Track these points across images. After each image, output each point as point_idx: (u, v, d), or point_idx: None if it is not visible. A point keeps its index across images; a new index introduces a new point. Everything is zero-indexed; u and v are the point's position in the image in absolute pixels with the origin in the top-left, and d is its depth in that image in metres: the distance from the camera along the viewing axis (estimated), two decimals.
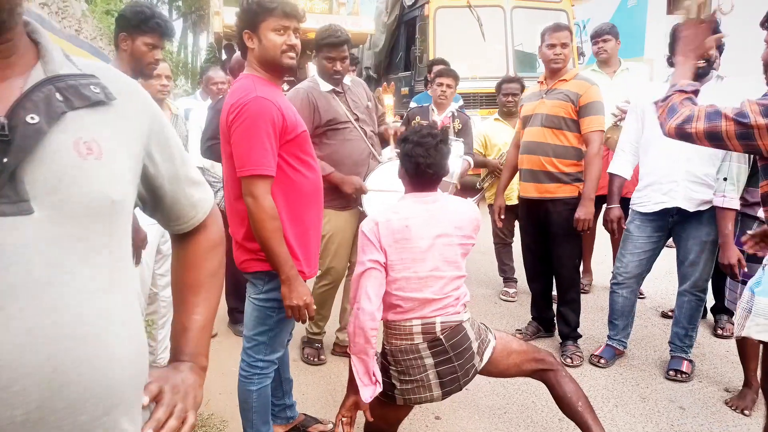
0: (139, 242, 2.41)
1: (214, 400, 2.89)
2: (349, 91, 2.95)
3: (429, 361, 2.10)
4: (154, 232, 2.61)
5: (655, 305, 4.16)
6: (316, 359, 3.25)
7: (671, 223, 3.04)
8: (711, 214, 2.91)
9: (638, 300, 4.20)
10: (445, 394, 2.15)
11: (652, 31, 9.88)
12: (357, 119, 2.94)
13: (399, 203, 2.19)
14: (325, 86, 2.88)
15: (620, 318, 3.21)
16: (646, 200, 3.05)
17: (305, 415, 2.63)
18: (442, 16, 7.60)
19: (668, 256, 4.76)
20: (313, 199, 2.11)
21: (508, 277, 4.43)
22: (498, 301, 4.28)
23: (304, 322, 2.09)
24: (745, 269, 2.68)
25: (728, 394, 2.88)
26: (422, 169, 2.10)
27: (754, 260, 2.48)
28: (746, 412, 2.67)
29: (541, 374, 2.29)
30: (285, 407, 2.53)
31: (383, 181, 2.92)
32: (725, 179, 2.75)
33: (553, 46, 3.17)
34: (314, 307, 2.04)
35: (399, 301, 2.10)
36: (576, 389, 2.24)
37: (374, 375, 2.07)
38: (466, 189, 5.46)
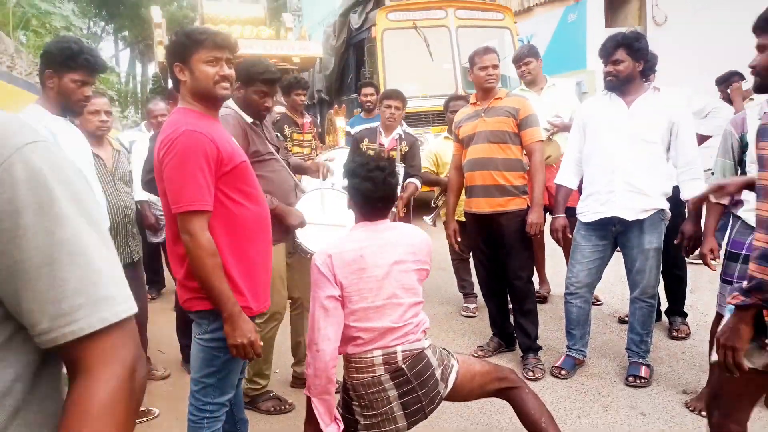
0: None
1: None
2: (264, 124, 2.89)
3: (392, 392, 2.05)
4: None
5: (612, 311, 4.22)
6: (284, 407, 3.03)
7: (614, 233, 3.09)
8: (651, 222, 2.98)
9: (595, 307, 4.29)
10: (411, 424, 2.10)
11: (592, 44, 10.23)
12: (277, 150, 2.89)
13: (351, 233, 2.16)
14: (247, 118, 2.76)
15: (577, 327, 3.24)
16: (587, 210, 3.11)
17: None
18: (389, 37, 7.68)
19: (622, 261, 4.84)
20: (258, 232, 2.04)
21: (467, 292, 4.43)
22: (459, 318, 4.26)
23: (251, 360, 2.00)
24: (717, 257, 2.73)
25: (686, 396, 2.91)
26: (372, 203, 2.09)
27: (733, 259, 2.57)
28: (704, 413, 2.68)
29: (504, 393, 2.26)
30: None
31: (310, 213, 2.91)
32: (712, 173, 2.81)
33: (485, 68, 3.30)
34: (261, 344, 1.96)
35: (359, 333, 2.05)
36: (539, 405, 2.23)
37: (336, 414, 2.03)
38: (421, 207, 5.48)
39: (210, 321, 1.96)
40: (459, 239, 3.64)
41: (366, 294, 2.04)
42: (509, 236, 3.29)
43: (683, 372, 3.20)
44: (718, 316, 2.60)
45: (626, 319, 3.97)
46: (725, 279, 2.62)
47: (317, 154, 4.94)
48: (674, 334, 3.66)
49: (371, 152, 4.07)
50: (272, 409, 3.00)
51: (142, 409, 2.98)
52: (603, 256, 3.16)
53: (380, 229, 2.12)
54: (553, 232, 3.24)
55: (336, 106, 8.36)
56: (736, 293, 1.61)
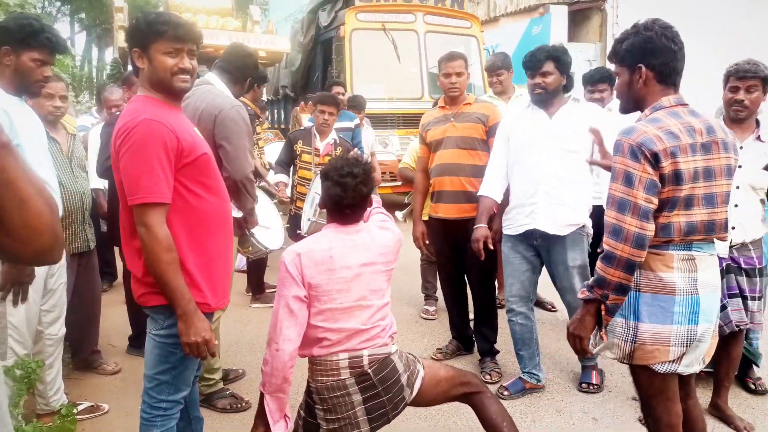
0: (24, 277, 2.16)
1: None
2: None
3: (357, 397, 2.03)
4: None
5: (566, 318, 4.32)
6: (240, 404, 2.97)
7: (537, 246, 3.02)
8: (572, 239, 2.92)
9: (550, 313, 4.40)
10: (373, 429, 2.10)
11: None
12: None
13: (321, 233, 2.14)
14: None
15: (523, 348, 3.12)
16: (511, 222, 3.05)
17: None
18: (357, 37, 7.67)
19: None
20: (218, 226, 1.98)
21: (429, 294, 4.46)
22: (419, 320, 4.29)
23: (204, 359, 1.95)
24: None
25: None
26: (341, 208, 2.08)
27: None
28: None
29: (468, 397, 2.28)
30: None
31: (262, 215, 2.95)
32: None
33: (448, 75, 3.28)
34: (215, 342, 1.91)
35: (326, 334, 2.03)
36: (501, 410, 2.25)
37: (286, 412, 2.03)
38: (392, 204, 5.49)
39: (166, 317, 1.90)
40: (427, 242, 3.61)
41: (334, 295, 2.03)
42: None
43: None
44: None
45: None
46: None
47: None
48: None
49: (306, 156, 4.12)
50: (228, 407, 2.94)
51: (91, 404, 2.87)
52: (533, 266, 3.08)
53: (351, 231, 2.11)
54: (473, 242, 3.07)
55: (302, 102, 8.29)
56: (583, 289, 1.85)
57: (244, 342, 3.89)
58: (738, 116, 2.68)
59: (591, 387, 3.12)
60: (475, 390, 2.27)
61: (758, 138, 2.70)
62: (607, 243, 1.75)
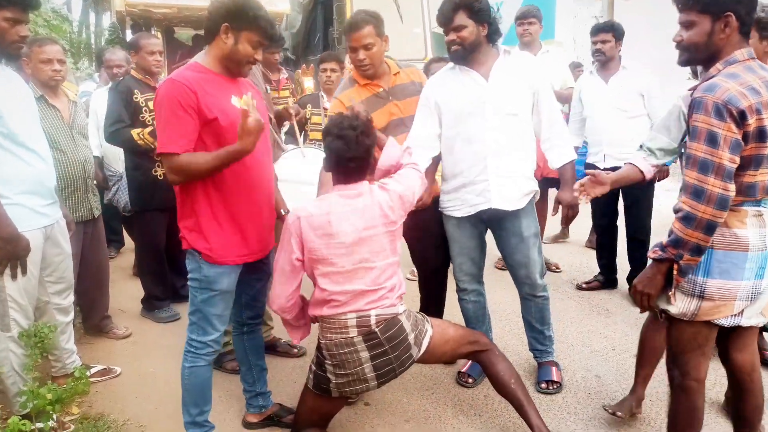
0: (20, 251, 2.17)
1: (130, 405, 2.73)
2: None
3: (364, 354, 2.10)
4: (37, 237, 2.31)
5: (570, 278, 4.35)
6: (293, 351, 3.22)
7: (486, 220, 2.70)
8: (527, 209, 2.65)
9: (555, 273, 4.42)
10: (381, 384, 2.17)
11: (561, 15, 10.25)
12: None
13: (323, 197, 2.18)
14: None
15: (478, 325, 2.85)
16: (459, 204, 2.65)
17: (280, 405, 2.58)
18: None
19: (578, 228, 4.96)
20: (238, 188, 2.09)
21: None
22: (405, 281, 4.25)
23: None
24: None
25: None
26: (344, 162, 2.09)
27: None
28: (619, 413, 2.43)
29: (475, 355, 2.34)
30: (257, 395, 2.50)
31: (289, 171, 2.88)
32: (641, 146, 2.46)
33: (354, 49, 2.60)
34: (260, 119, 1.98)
35: (332, 296, 2.10)
36: (509, 367, 2.31)
37: (305, 320, 2.30)
38: None
39: (189, 261, 2.12)
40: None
41: (334, 259, 2.08)
42: (437, 225, 2.82)
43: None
44: (650, 318, 2.45)
45: (584, 286, 4.10)
46: None
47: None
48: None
49: (316, 117, 4.02)
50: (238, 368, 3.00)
51: (103, 367, 2.94)
52: (481, 241, 2.78)
53: (352, 195, 2.12)
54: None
55: (303, 65, 8.16)
56: (656, 248, 1.80)
57: None
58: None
59: (552, 386, 2.77)
60: (484, 348, 2.33)
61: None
62: (688, 203, 1.69)
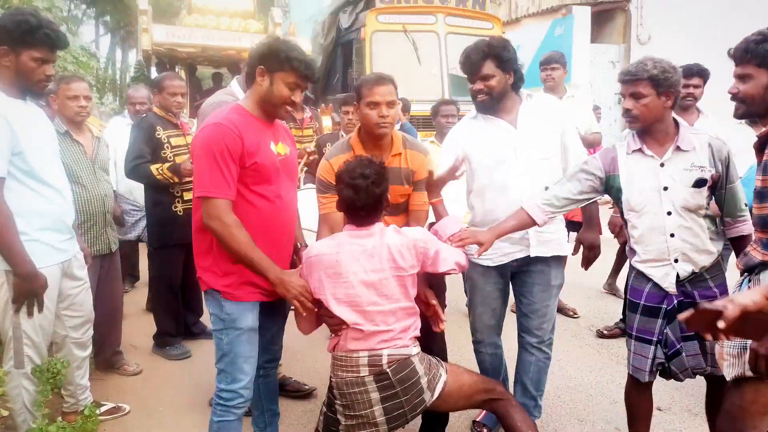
0: (38, 288, 2.18)
1: None
2: None
3: (375, 395, 2.05)
4: (55, 273, 2.33)
5: (588, 324, 4.26)
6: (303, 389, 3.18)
7: (513, 270, 2.60)
8: (560, 259, 2.60)
9: (572, 319, 4.33)
10: (391, 429, 2.10)
11: (578, 58, 10.38)
12: None
13: (335, 236, 2.18)
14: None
15: (493, 376, 2.68)
16: (491, 253, 2.46)
17: None
18: (377, 39, 7.65)
19: (599, 272, 4.88)
20: (258, 226, 2.06)
21: None
22: None
23: (306, 307, 2.07)
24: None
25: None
26: (354, 210, 2.09)
27: (632, 309, 2.31)
28: None
29: (491, 404, 2.24)
30: None
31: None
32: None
33: (377, 105, 2.29)
34: (309, 290, 2.07)
35: (345, 332, 2.09)
36: (525, 418, 2.22)
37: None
38: None
39: (209, 302, 2.10)
40: None
41: (344, 298, 2.07)
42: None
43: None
44: (630, 378, 2.38)
45: (605, 333, 3.97)
46: (628, 332, 2.34)
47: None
48: None
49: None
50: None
51: (113, 405, 2.89)
52: (505, 293, 2.70)
53: (362, 235, 2.10)
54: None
55: (322, 105, 8.31)
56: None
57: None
58: (633, 128, 2.23)
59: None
60: (499, 397, 2.24)
61: (678, 148, 2.16)
62: None
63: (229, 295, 2.06)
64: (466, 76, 2.52)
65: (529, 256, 2.52)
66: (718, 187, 2.17)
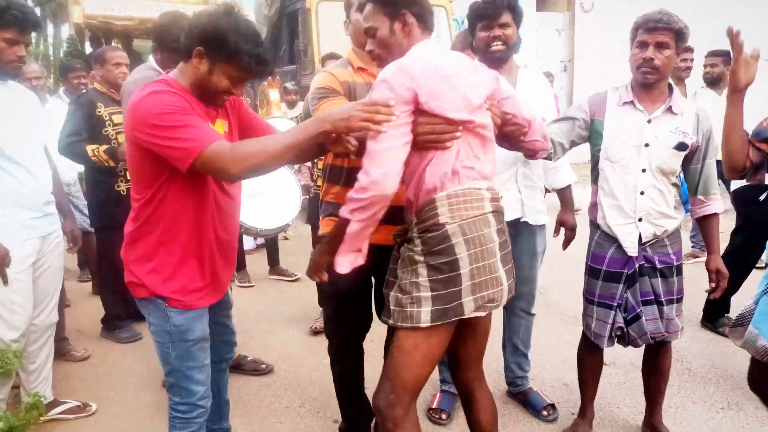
0: None
1: (89, 429, 2.62)
2: None
3: (495, 240, 1.67)
4: (24, 249, 2.32)
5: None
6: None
7: None
8: (544, 226, 2.60)
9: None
10: (507, 293, 1.73)
11: (524, 27, 10.42)
12: None
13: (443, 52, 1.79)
14: None
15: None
16: None
17: None
18: (324, 10, 7.49)
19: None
20: (211, 212, 1.78)
21: None
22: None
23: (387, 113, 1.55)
24: None
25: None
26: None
27: (594, 275, 2.31)
28: None
29: (474, 381, 1.96)
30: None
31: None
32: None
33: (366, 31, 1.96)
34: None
35: (460, 168, 1.66)
36: (492, 403, 1.98)
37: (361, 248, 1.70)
38: None
39: (149, 311, 1.79)
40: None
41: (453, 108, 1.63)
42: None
43: None
44: (583, 339, 2.42)
45: None
46: (588, 298, 2.34)
47: None
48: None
49: None
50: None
51: (77, 404, 2.76)
52: None
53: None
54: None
55: (269, 78, 8.11)
56: None
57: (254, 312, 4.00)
58: (647, 80, 2.11)
59: (551, 410, 2.68)
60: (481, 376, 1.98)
61: (669, 109, 2.15)
62: None
63: (178, 303, 1.75)
64: (480, 22, 2.33)
65: (518, 220, 2.46)
66: (694, 160, 2.19)
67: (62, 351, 3.28)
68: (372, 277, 2.17)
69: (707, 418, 2.63)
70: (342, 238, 1.64)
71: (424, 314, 1.63)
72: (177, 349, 1.78)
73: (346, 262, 1.67)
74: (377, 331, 2.27)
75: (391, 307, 1.70)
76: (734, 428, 2.55)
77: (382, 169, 1.56)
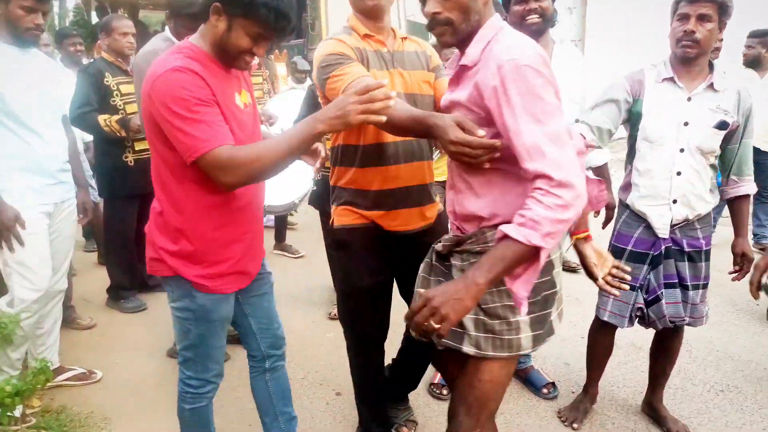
0: (5, 220, 2.20)
1: (94, 397, 2.66)
2: None
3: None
4: (35, 213, 2.35)
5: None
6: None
7: None
8: None
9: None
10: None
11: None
12: None
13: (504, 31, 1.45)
14: None
15: None
16: None
17: None
18: None
19: None
20: (242, 196, 1.71)
21: None
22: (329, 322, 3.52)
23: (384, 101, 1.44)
24: None
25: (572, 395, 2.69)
26: None
27: (617, 255, 2.23)
28: (575, 425, 2.43)
29: None
30: None
31: None
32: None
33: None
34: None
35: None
36: None
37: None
38: None
39: (172, 288, 1.73)
40: None
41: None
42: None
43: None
44: (597, 320, 2.39)
45: (573, 265, 3.96)
46: None
47: (269, 98, 4.71)
48: None
49: None
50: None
51: (83, 371, 2.81)
52: None
53: None
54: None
55: (276, 51, 8.04)
56: None
57: None
58: (687, 55, 2.00)
59: (551, 387, 2.69)
60: None
61: (711, 86, 2.06)
62: None
63: (203, 287, 1.69)
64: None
65: None
66: (732, 140, 2.11)
67: (68, 319, 3.32)
68: (390, 271, 2.05)
69: (706, 400, 2.64)
70: (514, 267, 1.29)
71: (525, 340, 1.44)
72: (199, 327, 1.74)
73: (527, 289, 1.34)
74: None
75: (474, 334, 1.44)
76: (733, 410, 2.56)
77: (581, 178, 1.28)
